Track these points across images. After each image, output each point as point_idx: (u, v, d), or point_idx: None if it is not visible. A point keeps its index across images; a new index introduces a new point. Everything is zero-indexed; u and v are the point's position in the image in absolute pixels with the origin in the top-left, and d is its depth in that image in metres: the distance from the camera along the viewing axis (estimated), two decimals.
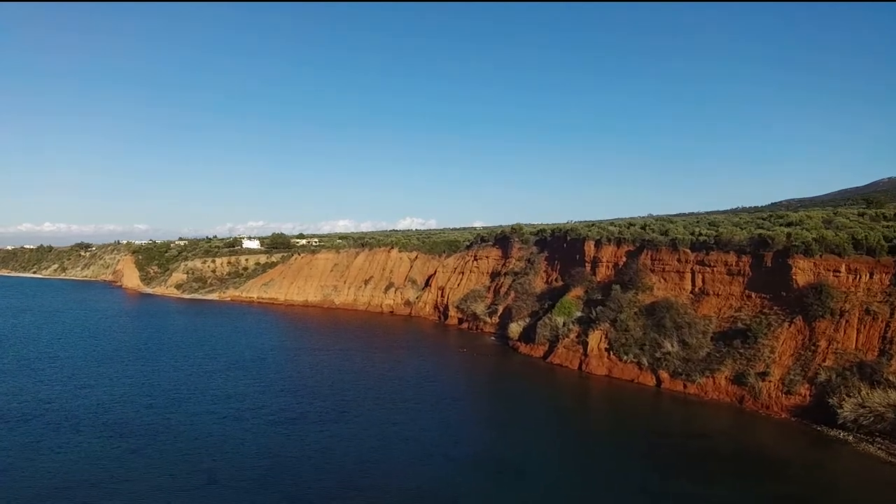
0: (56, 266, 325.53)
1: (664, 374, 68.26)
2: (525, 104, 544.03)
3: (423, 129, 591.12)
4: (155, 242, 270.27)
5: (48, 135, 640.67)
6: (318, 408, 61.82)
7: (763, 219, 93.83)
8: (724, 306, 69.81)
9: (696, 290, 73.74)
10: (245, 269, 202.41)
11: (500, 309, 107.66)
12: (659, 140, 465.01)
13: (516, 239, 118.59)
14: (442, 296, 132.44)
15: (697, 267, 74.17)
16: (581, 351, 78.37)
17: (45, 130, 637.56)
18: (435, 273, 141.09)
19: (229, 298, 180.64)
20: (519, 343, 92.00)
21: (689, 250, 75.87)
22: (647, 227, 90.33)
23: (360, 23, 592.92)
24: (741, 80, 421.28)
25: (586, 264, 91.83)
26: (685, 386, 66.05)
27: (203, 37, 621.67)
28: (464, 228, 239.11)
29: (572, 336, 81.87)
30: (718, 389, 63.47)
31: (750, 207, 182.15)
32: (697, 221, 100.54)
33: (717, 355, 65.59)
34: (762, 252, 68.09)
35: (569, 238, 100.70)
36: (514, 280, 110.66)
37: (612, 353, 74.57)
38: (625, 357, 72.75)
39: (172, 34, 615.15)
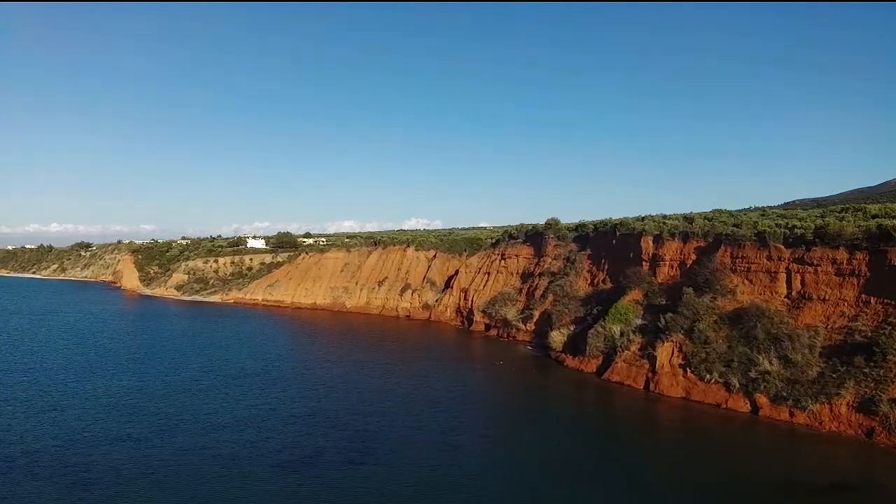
0: (55, 266, 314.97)
1: (762, 399, 55.22)
2: (530, 104, 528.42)
3: (427, 129, 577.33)
4: (156, 242, 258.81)
5: (55, 135, 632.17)
6: (335, 442, 49.22)
7: (838, 212, 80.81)
8: (834, 314, 56.75)
9: (794, 293, 60.68)
10: (249, 269, 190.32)
11: (536, 314, 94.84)
12: (665, 139, 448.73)
13: (551, 235, 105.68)
14: (465, 298, 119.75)
15: (795, 266, 61.09)
16: (647, 367, 65.49)
17: (50, 131, 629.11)
18: (456, 273, 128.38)
19: (232, 300, 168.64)
20: (564, 355, 79.18)
21: (782, 245, 62.80)
22: (715, 220, 77.30)
23: (361, 22, 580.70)
24: (745, 80, 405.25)
25: (643, 263, 78.89)
26: (792, 414, 53.02)
27: (207, 36, 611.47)
28: (471, 228, 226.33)
29: (633, 348, 68.99)
30: (838, 419, 50.45)
31: (762, 207, 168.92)
32: (762, 215, 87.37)
33: (834, 376, 52.53)
34: (884, 247, 55.00)
35: (618, 233, 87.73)
36: (551, 281, 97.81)
37: (689, 370, 61.60)
38: (707, 376, 59.76)
39: (177, 34, 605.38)
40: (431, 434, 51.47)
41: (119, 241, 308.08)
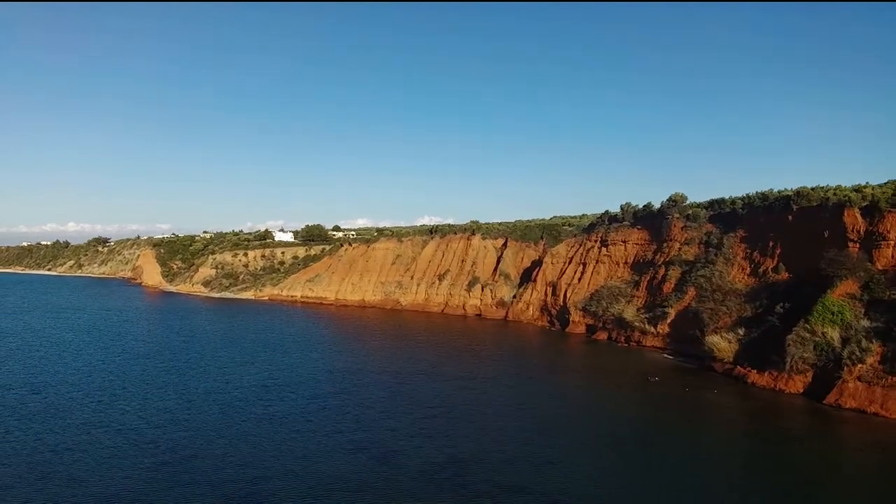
0: (72, 262, 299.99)
1: None
2: (538, 103, 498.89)
3: (429, 127, 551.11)
4: (178, 236, 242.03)
5: (71, 135, 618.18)
6: None
7: None
8: None
9: None
10: (282, 263, 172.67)
11: (672, 313, 75.10)
12: (684, 137, 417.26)
13: (676, 215, 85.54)
14: (555, 294, 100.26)
15: None
16: None
17: (67, 130, 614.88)
18: (538, 265, 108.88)
19: (267, 297, 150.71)
20: (742, 368, 59.34)
21: None
22: None
23: (367, 21, 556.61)
24: (765, 77, 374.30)
25: (850, 244, 58.85)
26: None
27: (210, 37, 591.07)
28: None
29: (870, 360, 49.18)
30: None
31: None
32: None
33: None
34: None
35: (794, 207, 67.56)
36: (685, 272, 77.99)
37: None
38: None
39: (181, 35, 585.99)
40: None
41: (137, 237, 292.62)
